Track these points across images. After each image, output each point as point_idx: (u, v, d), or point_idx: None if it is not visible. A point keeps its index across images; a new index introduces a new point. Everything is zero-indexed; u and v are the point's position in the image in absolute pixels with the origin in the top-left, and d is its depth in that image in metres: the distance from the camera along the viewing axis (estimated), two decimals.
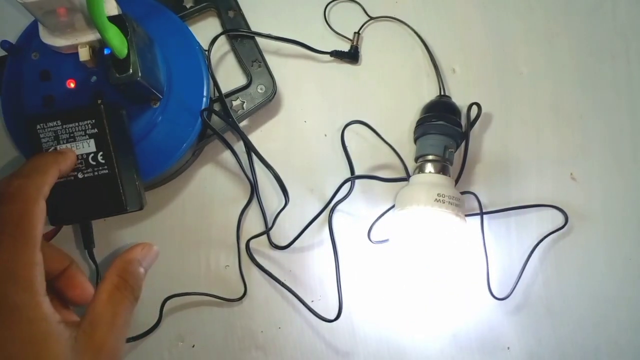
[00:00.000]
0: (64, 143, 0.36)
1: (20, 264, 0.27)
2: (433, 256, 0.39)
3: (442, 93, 0.45)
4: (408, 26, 0.47)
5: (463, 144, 0.43)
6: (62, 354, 0.28)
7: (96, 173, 0.36)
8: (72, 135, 0.36)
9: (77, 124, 0.36)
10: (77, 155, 0.36)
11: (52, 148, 0.36)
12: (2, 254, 0.27)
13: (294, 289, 0.42)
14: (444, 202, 0.38)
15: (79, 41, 0.37)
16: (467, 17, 0.47)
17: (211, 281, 0.43)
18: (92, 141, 0.36)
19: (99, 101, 0.39)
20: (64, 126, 0.36)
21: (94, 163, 0.36)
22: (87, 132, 0.36)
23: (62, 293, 0.33)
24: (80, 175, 0.36)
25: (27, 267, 0.27)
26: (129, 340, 0.42)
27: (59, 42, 0.37)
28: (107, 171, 0.36)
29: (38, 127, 0.36)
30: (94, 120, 0.36)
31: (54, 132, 0.36)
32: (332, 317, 0.41)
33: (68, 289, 0.33)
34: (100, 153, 0.36)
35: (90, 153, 0.36)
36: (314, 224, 0.42)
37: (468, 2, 0.47)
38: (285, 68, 0.46)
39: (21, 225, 0.27)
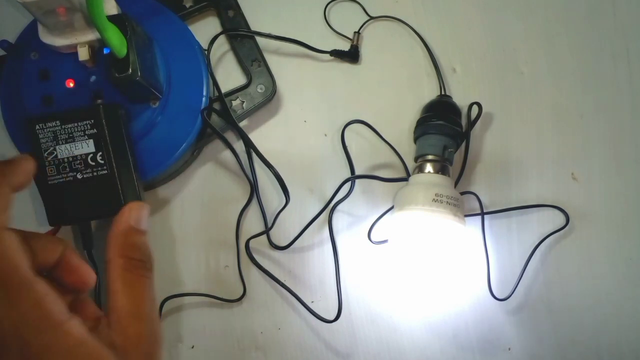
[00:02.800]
0: (62, 143, 0.36)
1: (24, 310, 0.25)
2: (432, 256, 0.39)
3: (443, 93, 0.45)
4: (408, 26, 0.46)
5: (464, 144, 0.43)
6: None
7: (95, 173, 0.36)
8: (71, 135, 0.36)
9: (76, 124, 0.36)
10: (77, 156, 0.36)
11: (52, 148, 0.36)
12: (5, 311, 0.24)
13: (294, 289, 0.42)
14: (442, 202, 0.38)
15: (79, 41, 0.37)
16: (468, 17, 0.47)
17: (211, 281, 0.43)
18: (91, 141, 0.36)
19: (99, 101, 0.39)
20: (63, 126, 0.36)
21: (93, 163, 0.36)
22: (86, 132, 0.36)
23: (63, 281, 0.30)
24: (79, 176, 0.36)
25: (34, 307, 0.25)
26: None
27: (58, 41, 0.37)
28: (106, 172, 0.36)
29: (37, 127, 0.36)
30: (92, 121, 0.36)
31: (53, 132, 0.36)
32: (332, 317, 0.41)
33: (66, 276, 0.30)
34: (100, 153, 0.36)
35: (89, 153, 0.36)
36: (314, 224, 0.42)
37: (468, 2, 0.47)
38: (285, 68, 0.46)
39: (10, 276, 0.25)
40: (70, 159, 0.36)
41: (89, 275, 0.30)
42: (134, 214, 0.31)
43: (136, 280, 0.29)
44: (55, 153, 0.36)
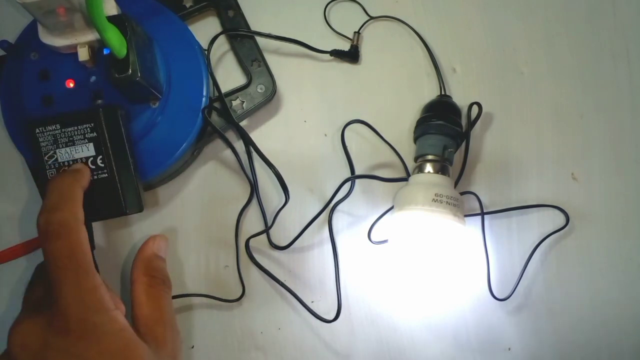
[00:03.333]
0: (62, 147, 0.36)
1: (85, 291, 0.30)
2: (432, 256, 0.39)
3: (443, 93, 0.45)
4: (408, 26, 0.46)
5: (464, 144, 0.43)
6: (146, 356, 0.31)
7: (96, 177, 0.36)
8: (71, 139, 0.36)
9: (76, 127, 0.36)
10: (77, 159, 0.36)
11: (52, 152, 0.36)
12: (68, 288, 0.30)
13: (294, 289, 0.42)
14: (441, 202, 0.38)
15: (78, 41, 0.37)
16: (468, 17, 0.47)
17: (211, 281, 0.43)
18: (91, 145, 0.36)
19: (99, 101, 0.39)
20: (63, 130, 0.36)
21: (94, 167, 0.36)
22: (86, 136, 0.36)
23: None
24: None
25: (93, 291, 0.30)
26: None
27: (58, 42, 0.37)
28: (106, 175, 0.36)
29: (37, 130, 0.36)
30: (92, 124, 0.36)
31: (53, 136, 0.36)
32: (332, 317, 0.41)
33: None
34: (100, 157, 0.36)
35: (89, 157, 0.36)
36: (314, 224, 0.42)
37: (468, 2, 0.47)
38: (285, 68, 0.46)
39: (74, 258, 0.30)
40: (71, 162, 0.36)
41: (121, 306, 0.35)
42: (157, 244, 0.38)
43: (158, 295, 0.35)
44: (56, 156, 0.36)
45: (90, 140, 0.36)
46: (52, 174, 0.36)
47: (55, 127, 0.36)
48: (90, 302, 0.30)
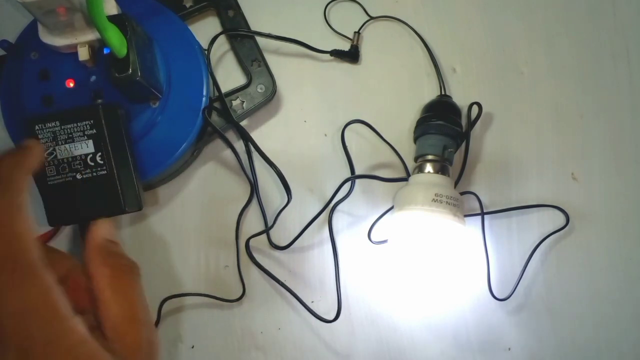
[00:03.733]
0: (62, 144, 0.36)
1: (32, 298, 0.24)
2: (432, 256, 0.39)
3: (443, 93, 0.45)
4: (408, 26, 0.46)
5: (464, 144, 0.43)
6: None
7: (95, 174, 0.36)
8: (70, 136, 0.36)
9: (75, 124, 0.36)
10: (76, 156, 0.36)
11: (51, 149, 0.36)
12: (9, 295, 0.24)
13: (294, 289, 0.42)
14: (441, 202, 0.38)
15: (79, 41, 0.37)
16: (467, 17, 0.47)
17: (211, 281, 0.43)
18: (90, 142, 0.36)
19: (99, 101, 0.39)
20: (63, 127, 0.36)
21: (93, 164, 0.36)
22: (86, 132, 0.36)
23: (72, 304, 0.28)
24: (78, 176, 0.36)
25: (42, 296, 0.24)
26: None
27: (58, 41, 0.37)
28: (105, 172, 0.36)
29: (37, 127, 0.36)
30: (92, 121, 0.36)
31: (53, 132, 0.36)
32: (332, 317, 0.41)
33: (77, 297, 0.28)
34: (99, 154, 0.36)
35: (88, 154, 0.36)
36: (314, 224, 0.42)
37: (468, 2, 0.47)
38: (285, 67, 0.46)
39: (11, 256, 0.24)
40: (70, 159, 0.36)
41: (90, 298, 0.30)
42: (106, 227, 0.32)
43: (126, 286, 0.29)
44: (55, 153, 0.36)
45: (89, 137, 0.36)
46: (51, 171, 0.36)
47: (55, 123, 0.36)
48: (38, 312, 0.24)
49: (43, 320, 0.24)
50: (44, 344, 0.23)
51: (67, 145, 0.36)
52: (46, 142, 0.36)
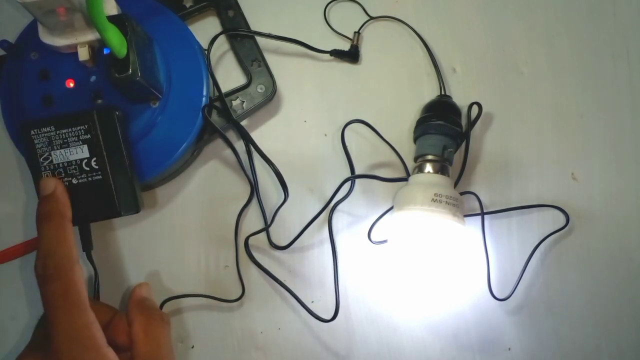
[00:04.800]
0: (57, 149, 0.36)
1: (78, 328, 0.31)
2: (431, 256, 0.39)
3: (443, 93, 0.45)
4: (408, 26, 0.46)
5: (464, 144, 0.43)
6: None
7: (90, 179, 0.36)
8: (65, 141, 0.36)
9: (70, 129, 0.36)
10: (71, 161, 0.36)
11: (47, 154, 0.36)
12: (61, 326, 0.31)
13: (293, 289, 0.42)
14: (441, 202, 0.38)
15: (79, 41, 0.37)
16: (467, 17, 0.47)
17: (211, 282, 0.43)
18: (85, 147, 0.36)
19: (99, 102, 0.39)
20: (58, 132, 0.36)
21: (88, 169, 0.36)
22: (81, 137, 0.36)
23: (113, 340, 0.36)
24: (74, 181, 0.36)
25: (85, 328, 0.31)
26: None
27: (58, 41, 0.37)
28: (100, 177, 0.36)
29: (32, 132, 0.36)
30: (86, 126, 0.36)
31: (48, 137, 0.36)
32: (330, 317, 0.41)
33: (117, 336, 0.36)
34: (94, 159, 0.36)
35: (83, 159, 0.36)
36: (314, 223, 0.42)
37: (468, 2, 0.47)
38: (285, 67, 0.46)
39: (68, 297, 0.31)
40: (65, 164, 0.36)
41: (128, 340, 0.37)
42: (144, 289, 0.40)
43: (156, 331, 0.36)
44: (51, 158, 0.36)
45: (84, 142, 0.36)
46: (47, 175, 0.36)
47: (50, 128, 0.36)
48: (81, 340, 0.31)
49: (85, 347, 0.31)
50: None
51: (62, 150, 0.36)
52: (42, 147, 0.36)
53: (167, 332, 0.37)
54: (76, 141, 0.36)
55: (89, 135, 0.36)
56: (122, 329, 0.37)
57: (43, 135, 0.36)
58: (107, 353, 0.32)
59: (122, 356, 0.35)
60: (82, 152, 0.36)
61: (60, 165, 0.36)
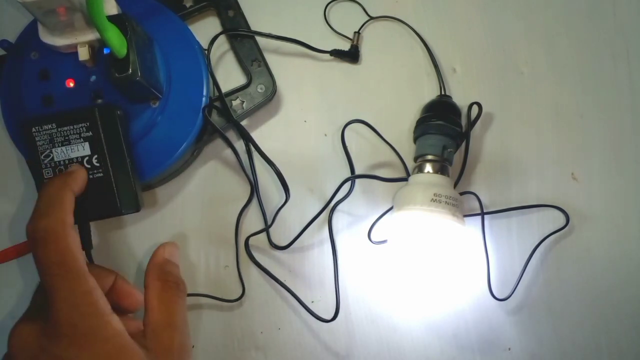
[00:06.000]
0: (59, 146, 0.36)
1: (77, 296, 0.30)
2: (431, 256, 0.39)
3: (443, 93, 0.45)
4: (408, 26, 0.46)
5: (464, 144, 0.43)
6: None
7: (91, 176, 0.36)
8: (67, 138, 0.36)
9: (71, 127, 0.36)
10: (72, 159, 0.36)
11: (48, 151, 0.36)
12: (59, 294, 0.29)
13: (294, 289, 0.42)
14: (440, 202, 0.38)
15: (79, 40, 0.37)
16: (468, 17, 0.47)
17: (210, 281, 0.43)
18: (86, 144, 0.36)
19: (99, 101, 0.39)
20: (59, 129, 0.36)
21: (89, 166, 0.36)
22: (82, 135, 0.36)
23: (116, 304, 0.35)
24: None
25: (86, 295, 0.30)
26: None
27: (58, 41, 0.37)
28: (101, 174, 0.36)
29: (33, 130, 0.36)
30: (88, 123, 0.36)
31: (49, 135, 0.36)
32: (330, 317, 0.41)
33: (120, 300, 0.36)
34: (95, 156, 0.36)
35: (85, 156, 0.36)
36: (314, 223, 0.42)
37: (468, 2, 0.47)
38: (285, 67, 0.46)
39: (64, 263, 0.30)
40: (67, 162, 0.36)
41: (139, 299, 0.36)
42: (167, 250, 0.38)
43: (170, 299, 0.34)
44: (52, 156, 0.36)
45: (85, 139, 0.36)
46: (48, 173, 0.36)
47: (52, 126, 0.36)
48: (82, 308, 0.30)
49: (85, 314, 0.29)
50: (85, 333, 0.29)
51: (63, 148, 0.36)
52: (43, 144, 0.36)
53: (182, 301, 0.35)
54: (77, 138, 0.36)
55: (90, 133, 0.36)
56: (126, 292, 0.36)
57: (44, 132, 0.36)
58: (111, 320, 0.30)
59: (129, 322, 0.35)
60: (83, 150, 0.36)
61: (62, 162, 0.36)
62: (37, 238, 0.30)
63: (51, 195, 0.32)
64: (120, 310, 0.35)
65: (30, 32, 0.41)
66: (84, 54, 0.38)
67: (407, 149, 0.44)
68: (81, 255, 0.31)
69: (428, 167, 0.40)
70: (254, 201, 0.44)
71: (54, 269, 0.30)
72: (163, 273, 0.36)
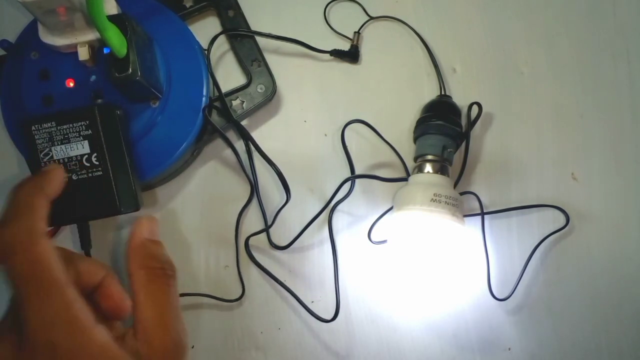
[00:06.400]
0: (58, 144, 0.36)
1: (55, 311, 0.26)
2: (431, 256, 0.39)
3: (443, 93, 0.45)
4: (408, 26, 0.46)
5: (464, 144, 0.43)
6: None
7: (90, 175, 0.36)
8: (66, 136, 0.36)
9: (71, 125, 0.36)
10: (72, 157, 0.36)
11: (47, 149, 0.36)
12: (32, 309, 0.26)
13: (294, 289, 0.42)
14: (440, 202, 0.38)
15: (79, 40, 0.37)
16: (467, 16, 0.47)
17: (210, 281, 0.43)
18: (86, 143, 0.36)
19: (99, 101, 0.39)
20: (59, 127, 0.36)
21: (88, 165, 0.36)
22: (81, 133, 0.36)
23: (99, 305, 0.31)
24: (74, 177, 0.36)
25: (64, 310, 0.26)
26: None
27: (58, 41, 0.37)
28: (100, 173, 0.36)
29: (33, 128, 0.36)
30: (87, 122, 0.36)
31: (49, 133, 0.36)
32: (331, 317, 0.41)
33: (105, 302, 0.32)
34: (94, 155, 0.36)
35: (84, 155, 0.36)
36: (314, 223, 0.42)
37: (468, 2, 0.47)
38: (285, 67, 0.46)
39: (34, 277, 0.26)
40: (66, 160, 0.36)
41: (124, 304, 0.32)
42: (146, 227, 0.33)
43: (159, 290, 0.31)
44: (51, 154, 0.36)
45: (85, 137, 0.36)
46: None
47: (51, 124, 0.36)
48: (61, 325, 0.26)
49: (66, 332, 0.26)
50: (66, 353, 0.26)
51: (63, 146, 0.36)
52: (42, 142, 0.36)
53: (173, 289, 0.31)
54: (77, 137, 0.36)
55: (90, 131, 0.36)
56: (113, 291, 0.32)
57: (44, 130, 0.36)
58: (96, 335, 0.27)
59: (118, 330, 0.31)
60: (82, 148, 0.36)
61: (61, 160, 0.36)
62: (3, 250, 0.27)
63: (20, 200, 0.29)
64: (101, 313, 0.31)
65: (30, 32, 0.41)
66: (84, 53, 0.38)
67: (407, 149, 0.44)
68: (56, 264, 0.27)
69: (428, 167, 0.40)
70: (254, 201, 0.44)
71: (22, 280, 0.26)
72: (146, 258, 0.31)
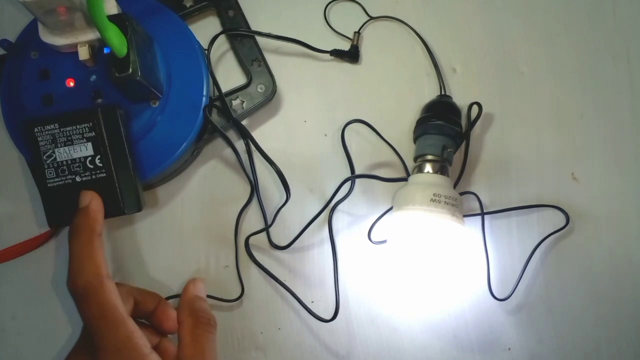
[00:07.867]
0: (61, 146, 0.36)
1: (120, 341, 0.32)
2: (431, 256, 0.39)
3: (443, 93, 0.45)
4: (408, 26, 0.47)
5: (464, 144, 0.43)
6: None
7: (94, 176, 0.36)
8: (69, 138, 0.36)
9: (74, 127, 0.36)
10: (75, 159, 0.36)
11: (50, 151, 0.36)
12: (104, 342, 0.32)
13: (294, 289, 0.42)
14: (439, 202, 0.38)
15: (79, 40, 0.37)
16: (467, 16, 0.47)
17: (210, 281, 0.43)
18: (89, 145, 0.36)
19: (99, 101, 0.39)
20: (62, 129, 0.36)
21: (92, 166, 0.36)
22: (85, 135, 0.36)
23: (158, 326, 0.38)
24: (78, 179, 0.36)
25: (127, 340, 0.32)
26: None
27: (58, 41, 0.37)
28: (104, 174, 0.36)
29: (36, 130, 0.36)
30: (91, 124, 0.36)
31: (52, 135, 0.36)
32: (330, 317, 0.41)
33: (162, 323, 0.38)
34: (98, 157, 0.36)
35: (87, 157, 0.36)
36: (314, 223, 0.42)
37: (468, 2, 0.47)
38: (285, 67, 0.46)
39: (104, 316, 0.32)
40: (69, 162, 0.36)
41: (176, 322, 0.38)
42: (197, 286, 0.40)
43: (202, 334, 0.36)
44: (54, 156, 0.36)
45: (88, 139, 0.36)
46: (50, 173, 0.36)
47: (54, 126, 0.36)
48: (124, 352, 0.32)
49: (129, 357, 0.32)
50: None
51: (66, 148, 0.36)
52: (45, 144, 0.36)
53: (213, 336, 0.37)
54: (80, 139, 0.36)
55: (93, 133, 0.36)
56: (168, 315, 0.38)
57: (47, 132, 0.36)
58: (151, 359, 0.33)
59: (166, 350, 0.38)
60: (86, 150, 0.36)
61: (64, 162, 0.36)
62: (78, 296, 0.33)
63: (79, 249, 0.34)
64: (161, 331, 0.38)
65: (30, 32, 0.41)
66: (84, 53, 0.38)
67: (407, 149, 0.44)
68: (119, 303, 0.33)
69: (428, 167, 0.40)
70: (254, 201, 0.44)
71: (95, 321, 0.32)
72: (194, 310, 0.38)
